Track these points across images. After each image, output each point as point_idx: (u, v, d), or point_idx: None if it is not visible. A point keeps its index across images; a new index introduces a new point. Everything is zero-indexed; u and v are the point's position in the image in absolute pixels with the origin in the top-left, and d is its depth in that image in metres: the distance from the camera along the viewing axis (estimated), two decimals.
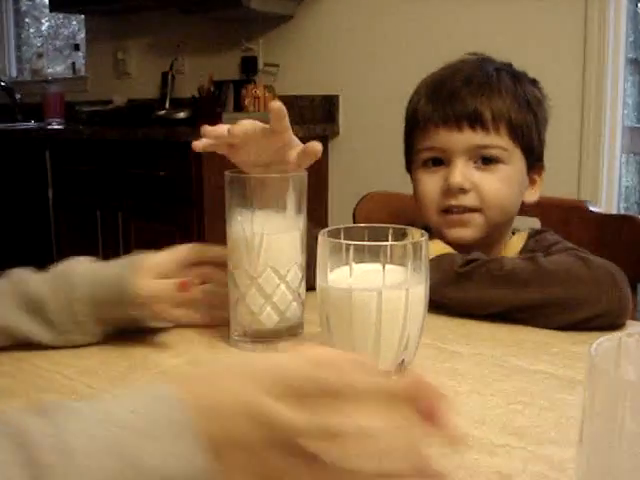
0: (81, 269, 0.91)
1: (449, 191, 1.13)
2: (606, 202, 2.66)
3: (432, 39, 2.87)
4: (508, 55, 1.23)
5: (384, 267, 0.73)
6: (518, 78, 1.18)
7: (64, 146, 3.45)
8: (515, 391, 0.74)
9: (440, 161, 1.16)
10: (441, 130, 1.15)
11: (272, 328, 0.86)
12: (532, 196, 1.22)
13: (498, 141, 1.13)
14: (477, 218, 1.14)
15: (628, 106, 2.73)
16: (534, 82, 1.21)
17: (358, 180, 3.07)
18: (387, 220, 0.89)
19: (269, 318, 0.86)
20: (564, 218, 1.34)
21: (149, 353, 0.86)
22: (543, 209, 1.37)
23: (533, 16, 2.70)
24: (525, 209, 1.25)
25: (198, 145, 0.93)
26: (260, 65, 3.53)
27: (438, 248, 1.09)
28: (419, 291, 0.75)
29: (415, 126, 1.20)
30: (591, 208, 1.37)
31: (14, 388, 0.77)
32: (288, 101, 3.31)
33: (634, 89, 2.78)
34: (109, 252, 3.23)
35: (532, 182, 1.21)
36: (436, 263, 0.96)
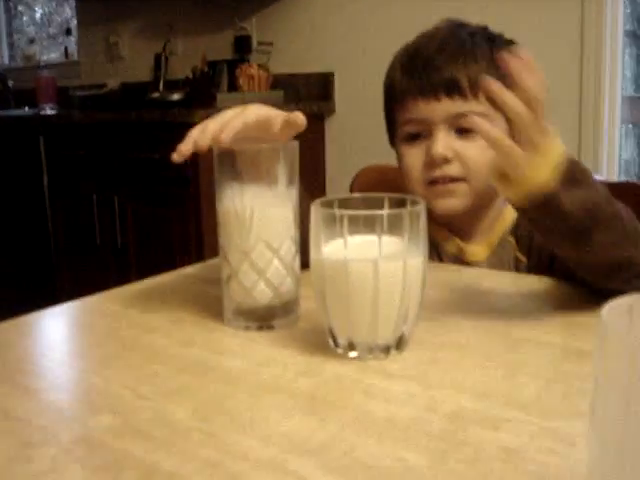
0: None
1: (432, 162, 1.10)
2: (607, 173, 2.63)
3: (428, 14, 2.82)
4: (504, 25, 1.19)
5: (380, 238, 0.70)
6: (494, 41, 1.14)
7: (58, 131, 3.42)
8: (520, 363, 0.71)
9: (420, 134, 1.13)
10: (419, 101, 1.12)
11: (266, 304, 0.83)
12: None
13: (478, 107, 1.08)
14: (462, 187, 1.12)
15: (626, 78, 2.69)
16: (511, 43, 1.17)
17: (355, 157, 3.03)
18: (385, 192, 0.86)
19: (263, 294, 0.82)
20: None
21: (139, 334, 0.83)
22: None
23: (530, 20, 2.65)
24: None
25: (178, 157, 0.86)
26: (254, 44, 3.48)
27: None
28: (417, 262, 0.72)
29: (393, 99, 1.17)
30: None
31: None
32: (283, 80, 3.31)
33: (632, 61, 2.74)
34: (106, 237, 3.20)
35: None
36: None
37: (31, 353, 0.79)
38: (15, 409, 0.64)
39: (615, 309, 0.39)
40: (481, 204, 1.15)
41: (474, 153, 1.10)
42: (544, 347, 0.75)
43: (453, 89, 1.09)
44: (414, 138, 1.14)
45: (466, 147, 1.10)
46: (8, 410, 0.64)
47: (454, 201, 1.12)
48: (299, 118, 0.88)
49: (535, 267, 1.11)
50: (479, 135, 1.08)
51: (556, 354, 0.73)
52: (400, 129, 1.16)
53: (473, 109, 1.09)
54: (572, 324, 0.82)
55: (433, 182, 1.12)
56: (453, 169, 1.11)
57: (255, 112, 0.86)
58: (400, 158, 1.16)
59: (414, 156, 1.13)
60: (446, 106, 1.10)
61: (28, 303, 3.07)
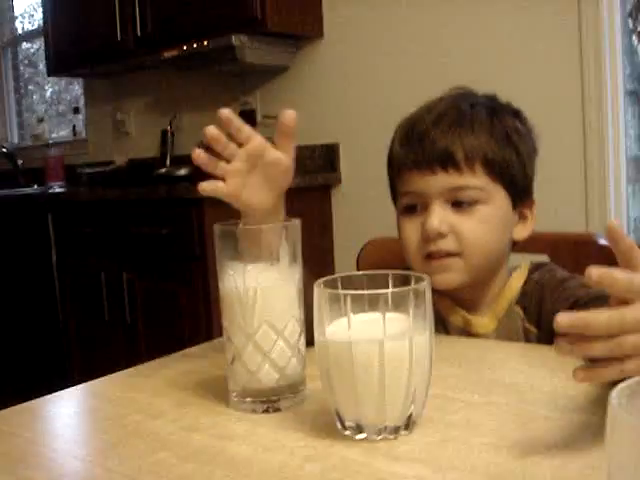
0: None
1: (427, 237, 1.09)
2: None
3: (430, 84, 2.86)
4: (507, 93, 1.19)
5: (385, 316, 0.69)
6: (496, 111, 1.13)
7: (66, 209, 3.44)
8: (533, 441, 0.69)
9: (417, 207, 1.12)
10: (414, 174, 1.11)
11: (272, 386, 0.81)
12: (522, 232, 1.17)
13: (473, 181, 1.08)
14: (458, 262, 1.10)
15: (630, 137, 2.70)
16: (517, 114, 1.16)
17: (362, 226, 3.04)
18: (392, 265, 0.85)
19: (268, 376, 0.81)
20: (574, 252, 1.30)
21: (144, 419, 0.82)
22: (552, 244, 1.33)
23: (530, 54, 2.69)
24: (530, 244, 1.21)
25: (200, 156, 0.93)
26: (259, 118, 3.52)
27: None
28: (423, 340, 0.71)
29: (393, 171, 1.17)
30: (601, 241, 1.32)
31: None
32: None
33: (635, 120, 2.76)
34: (115, 313, 3.19)
35: (523, 217, 1.16)
36: None
37: (33, 442, 0.78)
38: None
39: (624, 392, 0.38)
40: (482, 277, 1.14)
41: (469, 228, 1.08)
42: (558, 423, 0.73)
43: (448, 162, 1.08)
44: (411, 210, 1.13)
45: (462, 221, 1.09)
46: None
47: (450, 276, 1.10)
48: (284, 117, 0.91)
49: (546, 339, 1.08)
50: (475, 210, 1.08)
51: (571, 430, 0.71)
52: (399, 201, 1.16)
53: (469, 183, 1.08)
54: (587, 398, 0.80)
55: (429, 257, 1.10)
56: (447, 244, 1.09)
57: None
58: (399, 231, 1.16)
59: (411, 230, 1.12)
60: (441, 179, 1.08)
61: (39, 381, 3.06)
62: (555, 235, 1.38)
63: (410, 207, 1.13)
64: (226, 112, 0.92)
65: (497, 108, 1.15)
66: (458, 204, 1.09)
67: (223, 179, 0.92)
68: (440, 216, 1.08)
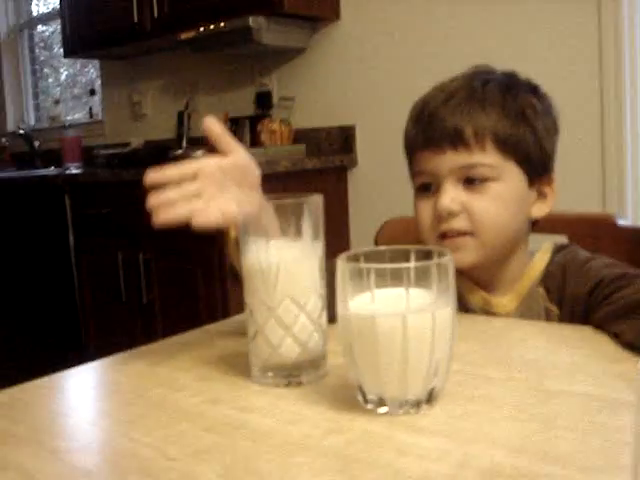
0: None
1: (440, 216, 1.09)
2: (633, 217, 2.61)
3: (446, 64, 2.85)
4: (525, 72, 1.19)
5: (408, 290, 0.69)
6: (510, 88, 1.12)
7: (83, 190, 3.45)
8: (554, 415, 0.69)
9: (431, 186, 1.12)
10: (426, 153, 1.11)
11: (294, 361, 0.82)
12: (541, 210, 1.16)
13: (484, 159, 1.08)
14: (470, 241, 1.09)
15: None
16: (535, 91, 1.15)
17: (379, 208, 3.04)
18: (410, 244, 0.85)
19: (290, 350, 0.82)
20: (593, 234, 1.30)
21: (167, 393, 0.82)
22: (570, 225, 1.33)
23: (548, 33, 2.67)
24: (549, 224, 1.21)
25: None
26: (275, 99, 3.52)
27: None
28: (446, 314, 0.71)
29: (407, 152, 1.17)
30: (620, 222, 1.32)
31: (18, 433, 0.73)
32: (305, 134, 3.35)
33: None
34: (132, 293, 3.21)
35: (542, 195, 1.15)
36: None
37: (58, 413, 0.79)
38: (41, 471, 0.63)
39: None
40: (497, 257, 1.13)
41: (482, 206, 1.08)
42: (578, 398, 0.74)
43: (457, 140, 1.08)
44: (426, 190, 1.13)
45: (473, 200, 1.08)
46: (34, 472, 0.63)
47: (464, 255, 1.09)
48: (206, 126, 0.88)
49: (568, 319, 1.09)
50: (487, 187, 1.08)
51: (591, 405, 0.72)
52: (414, 181, 1.16)
53: (480, 161, 1.08)
54: (606, 374, 0.80)
55: (443, 236, 1.10)
56: (459, 222, 1.09)
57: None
58: (414, 210, 1.16)
59: (424, 209, 1.13)
60: (451, 158, 1.08)
61: (56, 360, 3.08)
62: (574, 215, 1.37)
63: (424, 186, 1.14)
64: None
65: (512, 85, 1.14)
66: (470, 182, 1.09)
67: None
68: (451, 195, 1.08)
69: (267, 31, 3.16)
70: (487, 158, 1.08)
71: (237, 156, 0.89)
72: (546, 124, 1.13)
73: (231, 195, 0.86)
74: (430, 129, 1.10)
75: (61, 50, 4.27)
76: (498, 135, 1.08)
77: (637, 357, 0.84)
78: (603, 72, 2.58)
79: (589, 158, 2.61)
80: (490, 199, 1.08)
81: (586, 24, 2.59)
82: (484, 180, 1.08)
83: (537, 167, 1.12)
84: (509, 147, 1.09)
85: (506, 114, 1.09)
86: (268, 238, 0.82)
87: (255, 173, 0.91)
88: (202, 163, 0.87)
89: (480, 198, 1.09)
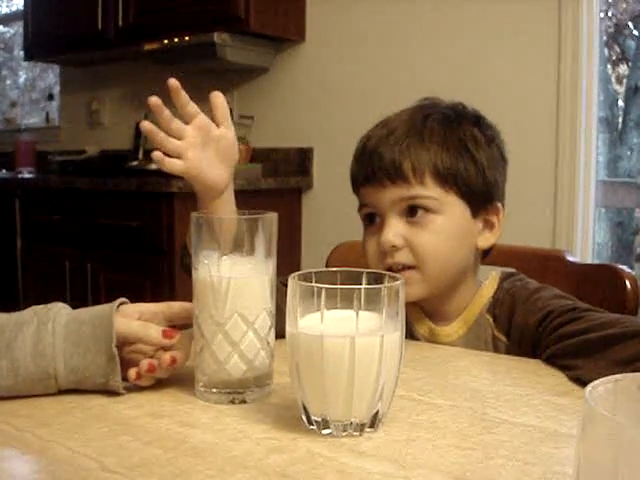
0: (61, 306, 0.86)
1: (384, 250, 1.10)
2: (581, 257, 2.65)
3: (407, 92, 2.87)
4: (483, 111, 1.19)
5: (357, 313, 0.69)
6: (452, 121, 1.13)
7: (34, 195, 3.41)
8: (496, 445, 0.70)
9: (376, 219, 1.13)
10: (368, 188, 1.13)
11: (239, 378, 0.81)
12: (487, 240, 1.16)
13: (423, 192, 1.08)
14: (415, 275, 1.10)
15: (599, 163, 2.74)
16: (477, 122, 1.15)
17: (332, 232, 3.03)
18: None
19: (236, 367, 0.81)
20: (542, 268, 1.31)
21: (108, 404, 0.81)
22: (521, 259, 1.34)
23: (508, 75, 2.71)
24: (499, 257, 1.22)
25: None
26: (235, 117, 3.51)
27: None
28: (394, 338, 0.71)
29: (352, 187, 1.19)
30: (569, 258, 1.34)
31: None
32: (262, 153, 3.34)
33: (604, 146, 2.80)
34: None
35: (489, 225, 1.16)
36: None
37: None
38: None
39: (599, 388, 0.38)
40: (445, 289, 1.14)
41: (423, 240, 1.09)
42: (521, 429, 0.74)
43: (396, 175, 1.08)
44: (371, 221, 1.14)
45: (415, 233, 1.09)
46: None
47: (409, 289, 1.05)
48: (214, 98, 1.04)
49: (516, 348, 1.09)
50: (429, 220, 1.09)
51: (533, 436, 0.72)
52: (360, 212, 1.17)
53: (419, 193, 1.08)
54: (549, 406, 0.81)
55: (389, 269, 1.10)
56: (403, 256, 1.09)
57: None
58: (362, 244, 1.17)
59: (370, 243, 1.13)
60: (392, 192, 1.09)
61: None
62: (525, 249, 1.39)
63: (370, 217, 1.14)
64: (154, 99, 0.98)
65: (455, 117, 1.14)
66: (413, 213, 1.09)
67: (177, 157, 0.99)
68: (394, 229, 1.09)
69: (231, 48, 3.16)
70: (427, 191, 1.09)
71: (228, 131, 1.03)
72: (490, 154, 1.13)
73: (208, 155, 1.01)
74: (370, 165, 1.12)
75: (21, 53, 4.22)
76: (437, 169, 1.09)
77: (581, 392, 0.85)
78: (560, 97, 2.62)
79: (542, 194, 2.65)
80: (431, 233, 1.09)
81: (545, 50, 2.64)
82: (427, 211, 1.09)
83: (480, 198, 1.13)
84: (449, 180, 1.09)
85: (446, 148, 1.10)
86: (221, 218, 0.86)
87: (236, 155, 1.05)
88: (199, 116, 1.02)
89: (421, 232, 1.09)
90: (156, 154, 0.98)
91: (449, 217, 1.10)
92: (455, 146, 1.10)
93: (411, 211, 1.09)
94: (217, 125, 1.03)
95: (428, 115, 1.13)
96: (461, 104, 1.18)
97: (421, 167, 1.08)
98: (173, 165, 0.99)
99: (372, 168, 1.11)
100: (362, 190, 1.14)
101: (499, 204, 1.15)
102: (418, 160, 1.08)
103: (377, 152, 1.11)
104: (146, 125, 0.98)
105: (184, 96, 1.01)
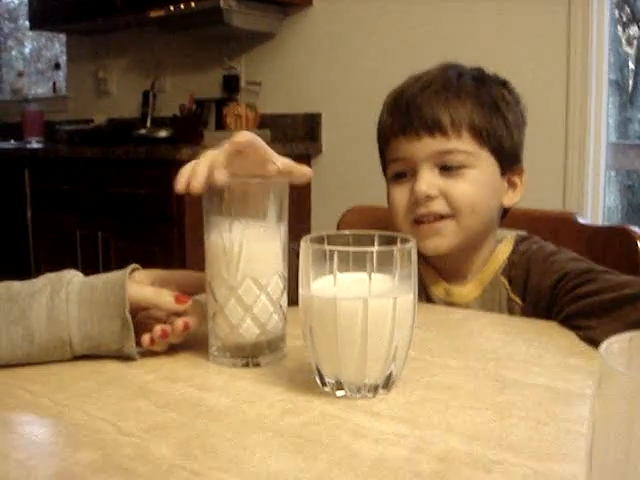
0: (74, 273, 0.87)
1: (417, 200, 1.10)
2: (591, 219, 2.64)
3: (414, 55, 2.85)
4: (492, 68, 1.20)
5: (370, 275, 0.69)
6: (483, 81, 1.15)
7: (43, 165, 3.41)
8: (509, 405, 0.70)
9: (406, 173, 1.13)
10: (402, 141, 1.12)
11: (252, 341, 0.82)
12: (511, 199, 1.18)
13: (460, 145, 1.09)
14: (449, 225, 1.11)
15: (609, 126, 2.72)
16: (504, 84, 1.18)
17: (341, 197, 3.04)
18: None
19: (249, 331, 0.81)
20: (552, 230, 1.31)
21: (123, 368, 0.82)
22: (531, 221, 1.34)
23: (519, 40, 2.69)
24: (510, 219, 1.22)
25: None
26: (242, 83, 3.50)
27: None
28: (407, 300, 0.71)
29: (382, 140, 1.18)
30: (580, 220, 1.33)
31: None
32: (270, 119, 3.33)
33: (614, 109, 2.78)
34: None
35: (512, 185, 1.17)
36: None
37: (12, 385, 0.78)
38: None
39: (614, 345, 0.38)
40: (471, 243, 1.14)
41: (460, 189, 1.10)
42: (534, 389, 0.74)
43: (434, 127, 1.09)
44: (401, 176, 1.14)
45: (451, 184, 1.10)
46: None
47: (442, 240, 1.11)
48: (304, 172, 0.87)
49: (531, 310, 1.10)
50: (463, 173, 1.09)
51: (546, 396, 0.72)
52: (388, 168, 1.17)
53: (456, 147, 1.09)
54: (562, 367, 0.81)
55: (419, 221, 1.11)
56: (438, 206, 1.10)
57: (243, 137, 0.83)
58: (388, 197, 1.17)
59: (400, 194, 1.13)
60: (428, 144, 1.10)
61: None
62: (535, 212, 1.39)
63: (399, 174, 1.14)
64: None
65: (484, 78, 1.16)
66: (446, 169, 1.10)
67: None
68: (428, 179, 1.09)
69: (237, 13, 3.13)
70: (463, 145, 1.09)
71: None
72: (516, 116, 1.16)
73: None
74: (407, 117, 1.11)
75: (27, 22, 4.20)
76: (474, 123, 1.10)
77: (594, 352, 0.85)
78: (570, 61, 2.60)
79: (552, 157, 2.64)
80: (467, 183, 1.10)
81: (555, 14, 2.61)
82: (460, 167, 1.09)
83: (509, 157, 1.15)
84: (484, 136, 1.11)
85: (480, 104, 1.11)
86: (232, 183, 0.80)
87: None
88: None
89: (458, 182, 1.10)
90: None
91: (482, 171, 1.11)
92: (488, 104, 1.12)
93: (445, 166, 1.10)
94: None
95: (461, 74, 1.15)
96: (482, 68, 1.20)
97: (459, 121, 1.09)
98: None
99: (409, 119, 1.11)
100: (394, 143, 1.14)
101: (522, 165, 1.17)
102: (456, 114, 1.09)
103: (415, 104, 1.11)
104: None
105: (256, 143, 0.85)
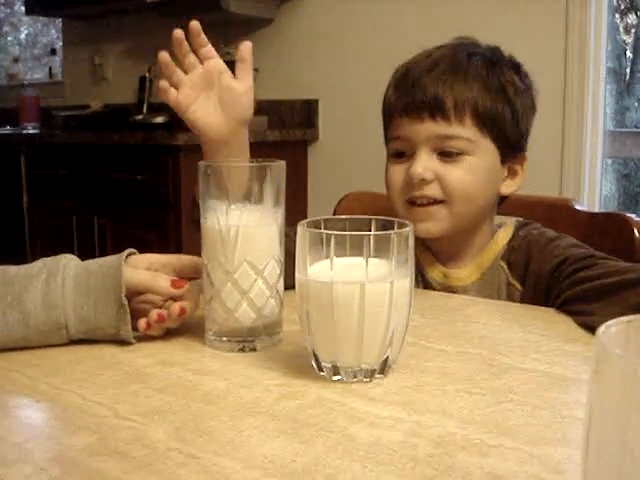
0: (70, 257, 0.87)
1: (411, 181, 1.10)
2: (588, 207, 2.63)
3: (411, 41, 2.84)
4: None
5: (367, 260, 0.69)
6: (494, 63, 1.13)
7: (39, 151, 3.39)
8: (505, 390, 0.70)
9: (405, 152, 1.13)
10: (404, 119, 1.12)
11: (249, 326, 0.82)
12: (509, 188, 1.17)
13: (461, 131, 1.08)
14: (441, 210, 1.10)
15: (607, 114, 2.71)
16: (517, 68, 1.16)
17: (338, 184, 3.03)
18: None
19: (246, 315, 0.81)
20: (549, 216, 1.31)
21: (119, 353, 0.82)
22: (529, 208, 1.34)
23: (516, 26, 2.68)
24: (507, 206, 1.22)
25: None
26: None
27: None
28: (404, 285, 0.71)
29: (385, 115, 1.18)
30: (577, 206, 1.33)
31: None
32: (268, 105, 3.31)
33: (611, 97, 2.77)
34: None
35: (512, 173, 1.16)
36: None
37: (10, 369, 0.77)
38: None
39: (612, 329, 0.38)
40: (465, 228, 1.14)
41: (455, 176, 1.09)
42: (530, 374, 0.74)
43: (436, 110, 1.08)
44: (400, 155, 1.14)
45: (447, 170, 1.09)
46: None
47: (433, 224, 1.11)
48: (242, 47, 1.06)
49: (531, 296, 1.10)
50: (461, 160, 1.09)
51: (541, 381, 0.72)
52: (389, 145, 1.16)
53: (457, 133, 1.08)
54: (558, 353, 0.81)
55: (412, 203, 1.11)
56: (432, 190, 1.09)
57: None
58: (386, 172, 1.16)
59: (396, 173, 1.13)
60: (429, 127, 1.09)
61: None
62: (532, 198, 1.39)
63: (399, 153, 1.14)
64: (179, 32, 1.03)
65: (496, 60, 1.14)
66: (445, 154, 1.09)
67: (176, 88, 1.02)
68: (425, 163, 1.09)
69: None
70: (465, 131, 1.09)
71: (238, 83, 1.04)
72: (524, 103, 1.14)
73: (208, 100, 1.04)
74: (411, 95, 1.10)
75: (22, 7, 4.18)
76: (477, 109, 1.09)
77: (592, 338, 0.85)
78: (567, 48, 2.59)
79: (549, 145, 2.63)
80: (464, 171, 1.09)
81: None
82: (459, 153, 1.09)
83: (512, 145, 1.14)
84: (487, 122, 1.09)
85: (487, 89, 1.09)
86: (228, 166, 0.85)
87: (244, 110, 1.05)
88: (213, 60, 1.05)
89: (454, 169, 1.09)
90: (162, 83, 1.02)
91: (481, 159, 1.11)
92: (496, 89, 1.11)
93: (444, 152, 1.09)
94: (235, 75, 1.03)
95: (472, 54, 1.13)
96: (498, 48, 1.18)
97: (462, 105, 1.08)
98: (167, 94, 1.03)
99: (413, 99, 1.10)
100: (397, 120, 1.13)
101: (525, 153, 1.16)
102: (460, 97, 1.08)
103: (420, 83, 1.10)
104: (163, 55, 1.02)
105: (201, 40, 1.05)
